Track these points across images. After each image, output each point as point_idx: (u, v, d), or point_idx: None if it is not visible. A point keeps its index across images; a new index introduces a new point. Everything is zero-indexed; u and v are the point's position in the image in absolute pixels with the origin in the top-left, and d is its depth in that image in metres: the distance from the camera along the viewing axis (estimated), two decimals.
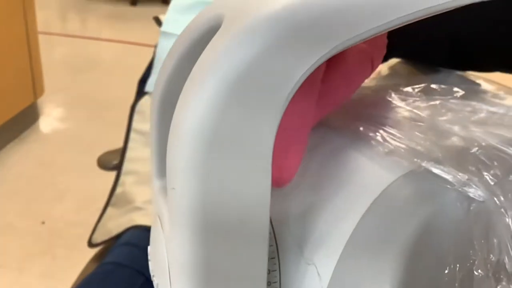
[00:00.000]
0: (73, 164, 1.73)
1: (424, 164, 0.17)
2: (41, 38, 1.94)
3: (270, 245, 0.18)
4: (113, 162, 0.94)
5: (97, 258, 0.77)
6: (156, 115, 0.19)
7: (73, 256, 0.83)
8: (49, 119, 2.06)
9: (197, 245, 0.15)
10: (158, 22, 0.92)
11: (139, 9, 3.30)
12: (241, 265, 0.16)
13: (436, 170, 0.17)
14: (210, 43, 0.15)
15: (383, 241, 0.16)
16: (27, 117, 1.92)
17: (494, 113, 0.22)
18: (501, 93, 0.23)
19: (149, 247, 0.21)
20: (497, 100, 0.23)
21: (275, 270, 0.18)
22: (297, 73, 0.14)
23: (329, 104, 0.21)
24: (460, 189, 0.16)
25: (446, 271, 0.15)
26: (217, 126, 0.14)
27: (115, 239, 0.77)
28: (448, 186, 0.16)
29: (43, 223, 1.51)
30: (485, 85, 0.25)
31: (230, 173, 0.15)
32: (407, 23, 0.24)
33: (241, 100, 0.14)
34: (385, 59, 0.28)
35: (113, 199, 0.86)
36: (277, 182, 0.19)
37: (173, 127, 0.15)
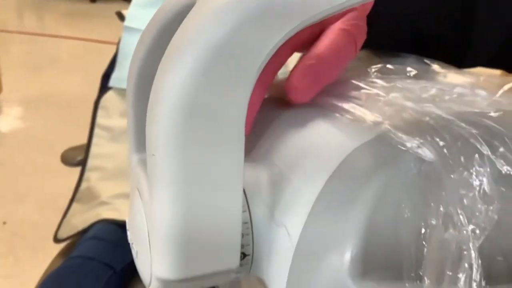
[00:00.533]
0: (33, 163, 1.69)
1: (383, 131, 0.19)
2: None
3: (243, 211, 0.19)
4: (77, 158, 0.93)
5: (63, 253, 0.77)
6: (133, 91, 0.20)
7: (36, 257, 0.83)
8: (8, 118, 2.01)
9: (176, 204, 0.16)
10: (121, 17, 0.92)
11: (98, 6, 3.25)
12: (218, 226, 0.17)
13: (394, 136, 0.19)
14: (187, 18, 0.16)
15: (346, 202, 0.17)
16: None
17: (443, 90, 0.24)
18: (451, 73, 0.26)
19: (127, 219, 0.21)
20: (446, 79, 0.25)
21: (248, 234, 0.19)
22: (267, 47, 0.16)
23: (322, 80, 0.22)
24: (414, 152, 0.18)
25: (404, 226, 0.17)
26: (194, 94, 0.15)
27: (81, 234, 0.77)
28: (404, 149, 0.18)
29: (4, 223, 1.47)
30: (436, 66, 0.27)
31: (207, 138, 0.16)
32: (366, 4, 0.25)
33: (216, 71, 0.15)
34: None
35: (78, 194, 0.85)
36: None
37: (152, 97, 0.16)
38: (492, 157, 0.18)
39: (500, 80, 0.25)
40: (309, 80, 0.22)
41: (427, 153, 0.18)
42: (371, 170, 0.18)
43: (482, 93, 0.23)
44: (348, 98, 0.22)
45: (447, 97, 0.22)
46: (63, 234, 0.81)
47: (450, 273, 0.16)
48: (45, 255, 0.81)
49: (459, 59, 0.27)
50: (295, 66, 0.22)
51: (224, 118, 0.16)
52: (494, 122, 0.19)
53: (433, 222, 0.16)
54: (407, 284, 0.16)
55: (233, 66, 0.16)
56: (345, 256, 0.16)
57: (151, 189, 0.17)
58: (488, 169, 0.18)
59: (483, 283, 0.16)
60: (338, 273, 0.16)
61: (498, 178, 0.18)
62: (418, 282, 0.16)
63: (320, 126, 0.21)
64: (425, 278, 0.16)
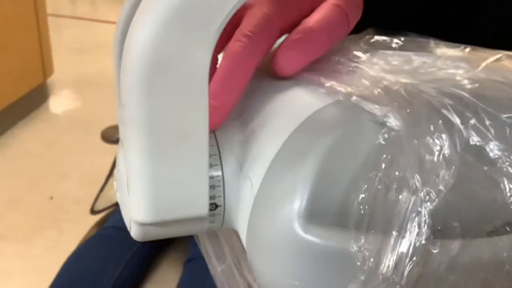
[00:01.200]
0: (79, 142, 1.78)
1: (352, 98, 0.20)
2: (50, 20, 1.97)
3: (215, 165, 0.21)
4: (116, 135, 0.97)
5: (98, 224, 0.81)
6: (117, 47, 0.22)
7: (78, 229, 0.88)
8: (58, 99, 2.11)
9: (144, 151, 0.18)
10: None
11: None
12: (184, 174, 0.19)
13: (362, 103, 0.20)
14: None
15: (300, 157, 0.18)
16: (37, 97, 1.97)
17: (425, 62, 0.24)
18: (441, 45, 0.26)
19: (115, 171, 0.24)
20: (432, 51, 0.26)
21: (220, 186, 0.21)
22: (228, 6, 0.17)
23: (308, 55, 0.23)
24: (379, 117, 0.19)
25: (353, 183, 0.18)
26: (159, 48, 0.17)
27: (116, 206, 0.81)
28: (368, 114, 0.19)
29: (51, 198, 1.55)
30: (432, 42, 0.27)
31: (170, 90, 0.18)
32: None
33: (177, 27, 0.17)
34: (362, 28, 0.30)
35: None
36: (212, 124, 0.21)
37: (124, 53, 0.18)
38: (461, 126, 0.19)
39: (486, 54, 0.26)
40: (293, 54, 0.23)
41: (392, 119, 0.19)
42: (328, 129, 0.19)
43: (465, 65, 0.24)
44: (326, 72, 0.23)
45: (428, 69, 0.23)
46: (99, 206, 0.85)
47: (396, 233, 0.17)
48: (86, 228, 0.86)
49: (464, 40, 0.27)
50: (283, 40, 0.23)
51: (186, 71, 0.18)
52: (468, 93, 0.20)
53: (387, 184, 0.18)
54: (342, 230, 0.17)
55: (194, 23, 0.17)
56: (295, 204, 0.18)
57: (124, 137, 0.19)
58: (455, 137, 0.19)
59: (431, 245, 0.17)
60: (289, 219, 0.18)
61: (466, 147, 0.19)
62: (364, 232, 0.17)
63: (292, 92, 0.22)
64: (359, 224, 0.17)
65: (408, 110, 0.20)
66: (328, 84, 0.22)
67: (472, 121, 0.20)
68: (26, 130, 1.85)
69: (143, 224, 0.20)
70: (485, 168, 0.19)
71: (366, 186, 0.18)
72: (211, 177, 0.21)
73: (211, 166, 0.21)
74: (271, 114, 0.21)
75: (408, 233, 0.17)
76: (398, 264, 0.17)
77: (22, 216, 1.49)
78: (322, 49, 0.24)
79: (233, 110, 0.22)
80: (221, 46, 0.24)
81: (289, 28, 0.24)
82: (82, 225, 0.90)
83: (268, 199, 0.19)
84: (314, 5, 0.25)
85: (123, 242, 0.71)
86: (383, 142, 0.19)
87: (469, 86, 0.21)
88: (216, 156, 0.21)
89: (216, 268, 0.24)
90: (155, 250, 0.73)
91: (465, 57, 0.26)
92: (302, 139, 0.19)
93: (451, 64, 0.24)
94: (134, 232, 0.21)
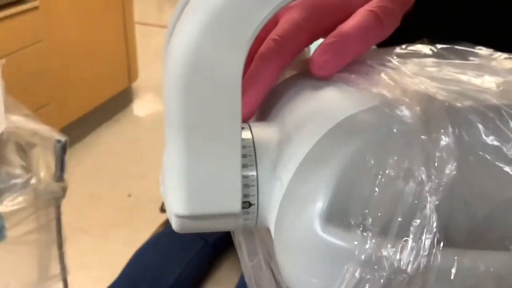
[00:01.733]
0: (159, 144, 1.85)
1: (379, 102, 0.20)
2: (138, 28, 2.09)
3: (251, 165, 0.22)
4: None
5: (166, 222, 0.85)
6: (166, 50, 0.24)
7: (151, 227, 0.92)
8: (142, 103, 2.22)
9: (181, 148, 0.20)
10: None
11: None
12: (218, 171, 0.20)
13: (385, 105, 0.20)
14: None
15: (325, 159, 0.19)
16: (122, 100, 2.09)
17: (458, 69, 0.24)
18: (487, 55, 0.25)
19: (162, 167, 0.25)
20: (474, 60, 0.25)
21: (254, 186, 0.22)
22: (260, 15, 0.18)
23: (343, 57, 0.24)
24: (396, 115, 0.19)
25: (369, 180, 0.18)
26: (197, 51, 0.18)
27: None
28: (390, 114, 0.19)
29: (129, 196, 1.64)
30: (479, 51, 0.27)
31: (206, 93, 0.19)
32: None
33: (217, 31, 0.18)
34: (416, 38, 0.30)
35: None
36: None
37: (168, 53, 0.20)
38: (480, 126, 0.19)
39: None
40: (328, 56, 0.24)
41: (406, 115, 0.19)
42: (355, 135, 0.20)
43: (496, 72, 0.23)
44: (360, 76, 0.23)
45: (458, 76, 0.23)
46: None
47: (400, 219, 0.17)
48: (157, 226, 0.91)
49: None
50: (320, 44, 0.24)
51: (221, 73, 0.19)
52: (493, 96, 0.20)
53: (392, 173, 0.18)
54: (358, 231, 0.18)
55: (229, 31, 0.19)
56: (317, 205, 0.19)
57: (166, 134, 0.21)
58: (473, 135, 0.19)
59: (437, 238, 0.17)
60: (310, 219, 0.19)
61: (485, 147, 0.19)
62: (367, 232, 0.18)
63: (327, 94, 0.23)
64: (372, 225, 0.17)
65: (423, 108, 0.20)
66: (360, 88, 0.22)
67: (494, 122, 0.20)
68: (110, 131, 1.97)
69: (180, 217, 0.22)
70: (505, 168, 0.19)
71: (384, 191, 0.18)
72: (246, 177, 0.22)
73: (246, 166, 0.22)
74: (306, 117, 0.22)
75: (414, 224, 0.18)
76: (411, 264, 0.17)
77: (102, 211, 1.58)
78: (356, 52, 0.24)
79: (256, 108, 0.24)
80: (255, 50, 0.25)
81: (323, 33, 0.25)
82: (155, 223, 0.94)
83: (293, 199, 0.20)
84: (350, 12, 0.26)
85: (187, 241, 0.73)
86: (398, 138, 0.19)
87: (494, 90, 0.21)
88: (252, 157, 0.22)
89: (247, 263, 0.25)
90: (217, 250, 0.75)
91: (498, 66, 0.25)
92: (329, 144, 0.20)
93: (484, 71, 0.24)
94: (174, 224, 0.22)
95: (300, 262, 0.19)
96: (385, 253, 0.17)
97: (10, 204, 0.60)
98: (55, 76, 1.66)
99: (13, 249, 0.63)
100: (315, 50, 0.24)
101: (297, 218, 0.19)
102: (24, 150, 0.66)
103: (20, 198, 0.61)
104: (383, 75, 0.22)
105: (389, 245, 0.17)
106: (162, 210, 0.90)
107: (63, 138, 0.67)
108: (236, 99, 0.19)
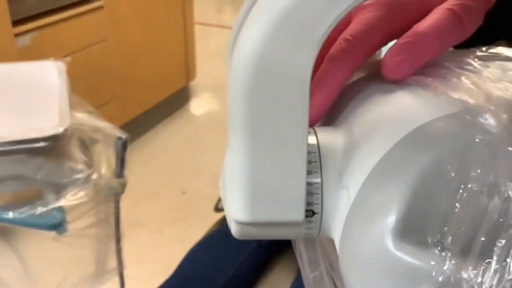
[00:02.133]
0: (214, 142, 1.88)
1: (458, 108, 0.19)
2: (197, 28, 2.12)
3: (315, 172, 0.21)
4: None
5: (220, 221, 0.85)
6: (230, 52, 0.23)
7: (204, 224, 0.93)
8: (199, 101, 2.25)
9: (245, 153, 0.19)
10: None
11: None
12: (282, 178, 0.19)
13: (466, 112, 0.18)
14: None
15: (399, 170, 0.18)
16: (179, 99, 2.13)
17: None
18: None
19: (221, 169, 0.25)
20: None
21: (318, 193, 0.21)
22: (331, 16, 0.17)
23: (418, 58, 0.23)
24: (480, 123, 0.18)
25: (452, 194, 0.17)
26: (265, 53, 0.18)
27: None
28: (472, 122, 0.18)
29: (184, 193, 1.66)
30: None
31: (273, 94, 0.18)
32: None
33: (286, 33, 0.17)
34: (493, 40, 0.28)
35: None
36: None
37: (233, 54, 0.19)
38: None
39: None
40: (402, 57, 0.22)
41: (491, 124, 0.17)
42: (432, 145, 0.18)
43: None
44: (436, 80, 0.22)
45: None
46: (222, 204, 0.89)
47: (483, 239, 0.15)
48: (211, 223, 0.91)
49: None
50: (393, 44, 0.23)
51: (289, 76, 0.18)
52: None
53: (475, 188, 0.16)
54: (436, 250, 0.16)
55: (299, 32, 0.18)
56: (389, 219, 0.17)
57: (228, 137, 0.20)
58: None
59: None
60: (381, 233, 0.17)
61: None
62: (446, 251, 0.16)
63: (400, 99, 0.21)
64: (451, 244, 0.16)
65: (508, 117, 0.18)
66: (438, 92, 0.21)
67: None
68: (168, 128, 2.01)
69: (240, 223, 0.21)
70: None
71: (466, 207, 0.17)
72: (310, 184, 0.21)
73: (310, 172, 0.21)
74: (376, 123, 0.21)
75: (499, 244, 0.16)
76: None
77: (157, 207, 1.61)
78: (432, 53, 0.23)
79: (324, 112, 0.23)
80: (325, 51, 0.24)
81: (398, 34, 0.24)
82: (209, 220, 0.95)
83: (362, 211, 0.19)
84: (427, 10, 0.24)
85: (241, 242, 0.73)
86: (481, 148, 0.17)
87: None
88: (316, 164, 0.21)
89: (308, 274, 0.24)
90: (270, 252, 0.74)
91: None
92: (403, 153, 0.18)
93: None
94: (233, 230, 0.22)
95: (368, 280, 0.18)
96: (465, 275, 0.16)
97: (72, 198, 0.62)
98: (117, 75, 1.71)
99: (73, 242, 0.65)
100: (388, 51, 0.23)
101: (366, 232, 0.18)
102: (86, 146, 0.68)
103: (82, 193, 0.63)
104: (463, 79, 0.21)
105: (470, 267, 0.16)
106: (217, 209, 0.91)
107: (124, 135, 0.68)
108: (304, 102, 0.18)
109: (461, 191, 0.17)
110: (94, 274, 0.74)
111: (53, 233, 0.62)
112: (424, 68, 0.23)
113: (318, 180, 0.21)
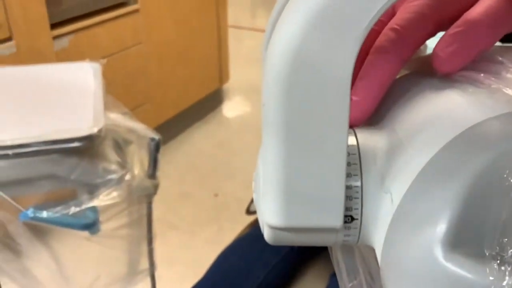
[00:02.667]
0: (247, 145, 1.87)
1: None
2: (231, 31, 2.12)
3: (355, 175, 0.19)
4: None
5: (252, 224, 0.84)
6: (265, 50, 0.22)
7: (236, 227, 0.92)
8: (231, 104, 2.25)
9: (280, 154, 0.18)
10: None
11: None
12: (320, 181, 0.18)
13: None
14: None
15: (449, 174, 0.16)
16: (212, 101, 2.13)
17: None
18: None
19: (254, 172, 0.24)
20: None
21: (358, 198, 0.19)
22: (375, 7, 0.16)
23: (471, 49, 0.21)
24: None
25: (504, 198, 0.15)
26: (302, 48, 0.16)
27: None
28: None
29: (216, 195, 1.66)
30: None
31: (311, 91, 0.17)
32: None
33: (324, 27, 0.16)
34: None
35: None
36: (353, 119, 0.21)
37: (269, 50, 0.18)
38: None
39: None
40: (454, 48, 0.20)
41: None
42: (486, 146, 0.16)
43: None
44: (488, 75, 0.20)
45: None
46: (254, 207, 0.88)
47: None
48: (243, 226, 0.91)
49: None
50: (443, 35, 0.21)
51: (328, 72, 0.17)
52: None
53: None
54: (494, 264, 0.15)
55: (338, 26, 0.16)
56: (439, 228, 0.16)
57: (262, 137, 0.19)
58: None
59: None
60: (429, 243, 0.16)
61: None
62: (506, 266, 0.14)
63: (450, 97, 0.20)
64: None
65: None
66: (492, 89, 0.19)
67: None
68: (201, 131, 2.02)
69: (274, 228, 0.20)
70: None
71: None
72: (349, 187, 0.19)
73: (350, 175, 0.19)
74: (423, 122, 0.19)
75: None
76: None
77: (190, 209, 1.62)
78: (486, 43, 0.21)
79: (375, 106, 0.21)
80: (367, 46, 0.22)
81: (448, 22, 0.22)
82: (240, 223, 0.94)
83: (408, 218, 0.17)
84: None
85: (273, 246, 0.72)
86: None
87: None
88: (356, 166, 0.20)
89: (346, 284, 0.22)
90: (303, 257, 0.73)
91: None
92: (454, 155, 0.17)
93: None
94: (266, 235, 0.21)
95: None
96: None
97: (105, 198, 0.62)
98: (152, 77, 1.73)
99: (106, 242, 0.65)
100: (438, 43, 0.21)
101: (412, 241, 0.16)
102: (120, 147, 0.68)
103: (115, 193, 0.63)
104: None
105: None
106: (248, 211, 0.90)
107: (157, 137, 0.68)
108: (344, 100, 0.17)
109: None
110: (126, 275, 0.75)
111: (86, 233, 0.63)
112: (476, 63, 0.21)
113: (358, 183, 0.19)
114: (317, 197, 0.19)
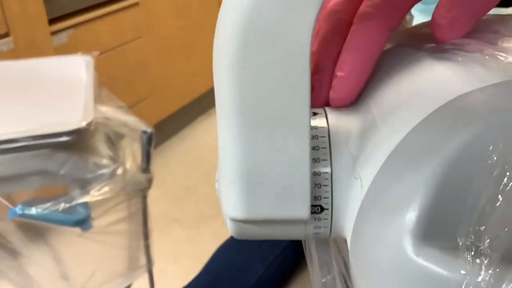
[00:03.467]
0: None
1: (504, 77, 0.15)
2: None
3: (324, 160, 0.18)
4: None
5: None
6: None
7: None
8: None
9: (235, 137, 0.16)
10: None
11: None
12: (282, 168, 0.16)
13: None
14: None
15: (422, 155, 0.14)
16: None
17: None
18: None
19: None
20: None
21: (327, 185, 0.17)
22: None
23: (472, 13, 0.19)
24: None
25: (493, 184, 0.13)
26: (252, 14, 0.15)
27: None
28: None
29: None
30: None
31: (265, 67, 0.15)
32: None
33: None
34: None
35: None
36: (339, 98, 0.19)
37: (218, 22, 0.16)
38: None
39: None
40: (456, 13, 0.18)
41: None
42: (467, 120, 0.14)
43: None
44: (478, 45, 0.18)
45: None
46: None
47: None
48: None
49: None
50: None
51: (286, 41, 0.15)
52: None
53: None
54: (468, 256, 0.13)
55: None
56: (408, 217, 0.14)
57: (218, 121, 0.17)
58: None
59: None
60: (398, 234, 0.14)
61: None
62: (482, 258, 0.12)
63: (431, 71, 0.18)
64: (489, 249, 0.12)
65: None
66: (481, 60, 0.17)
67: None
68: (204, 125, 2.00)
69: (236, 221, 0.18)
70: None
71: (510, 200, 0.13)
72: (318, 174, 0.17)
73: (318, 160, 0.18)
74: (401, 99, 0.17)
75: None
76: None
77: (195, 203, 1.60)
78: (487, 5, 0.19)
79: (363, 83, 0.19)
80: (352, 13, 0.20)
81: None
82: None
83: (376, 206, 0.15)
84: None
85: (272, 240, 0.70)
86: None
87: None
88: (326, 150, 0.18)
89: (318, 279, 0.20)
90: (302, 249, 0.71)
91: None
92: (430, 133, 0.15)
93: None
94: (230, 228, 0.19)
95: (380, 287, 0.14)
96: None
97: (97, 194, 0.61)
98: (153, 71, 1.71)
99: (99, 239, 0.64)
100: (436, 10, 0.19)
101: (380, 232, 0.14)
102: (112, 141, 0.66)
103: (106, 188, 0.61)
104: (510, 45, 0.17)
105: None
106: None
107: (149, 130, 0.66)
108: (303, 73, 0.15)
109: (505, 180, 0.13)
110: (122, 271, 0.73)
111: (78, 230, 0.61)
112: (471, 33, 0.19)
113: (328, 169, 0.18)
114: (279, 185, 0.17)
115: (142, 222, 0.71)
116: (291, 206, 0.17)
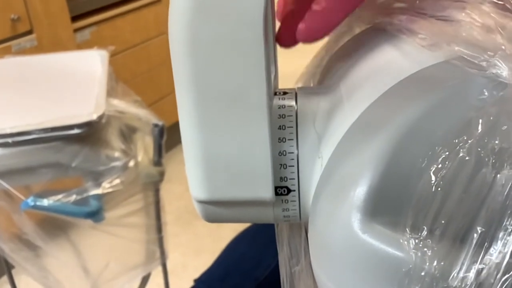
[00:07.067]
0: None
1: (452, 54, 0.14)
2: None
3: (290, 139, 0.17)
4: None
5: None
6: None
7: None
8: None
9: (191, 114, 0.15)
10: None
11: None
12: (242, 147, 0.16)
13: (464, 57, 0.14)
14: None
15: (372, 132, 0.13)
16: None
17: None
18: None
19: None
20: None
21: (293, 166, 0.17)
22: None
23: None
24: (488, 73, 0.13)
25: (443, 161, 0.12)
26: None
27: None
28: (474, 72, 0.13)
29: None
30: None
31: (219, 40, 0.14)
32: None
33: None
34: None
35: None
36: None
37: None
38: None
39: None
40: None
41: (502, 73, 0.13)
42: (414, 98, 0.14)
43: None
44: (429, 17, 0.17)
45: None
46: None
47: (483, 221, 0.11)
48: None
49: None
50: None
51: (237, 12, 0.14)
52: None
53: (475, 155, 0.12)
54: (417, 235, 0.12)
55: None
56: (357, 192, 0.13)
57: (177, 99, 0.17)
58: None
59: None
60: (345, 211, 0.13)
61: None
62: (431, 237, 0.12)
63: (389, 49, 0.17)
64: (437, 229, 0.11)
65: None
66: (426, 34, 0.16)
67: None
68: None
69: (200, 202, 0.17)
70: None
71: (461, 180, 0.12)
72: (283, 154, 0.17)
73: (284, 140, 0.17)
74: (364, 77, 0.17)
75: (505, 236, 0.11)
76: (484, 281, 0.11)
77: None
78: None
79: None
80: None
81: None
82: None
83: (330, 183, 0.14)
84: None
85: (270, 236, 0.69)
86: (503, 124, 0.13)
87: None
88: (292, 129, 0.17)
89: (287, 268, 0.20)
90: None
91: None
92: (383, 109, 0.14)
93: None
94: (198, 210, 0.18)
95: (332, 270, 0.14)
96: (456, 268, 0.11)
97: (108, 186, 0.61)
98: None
99: (112, 231, 0.65)
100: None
101: (332, 210, 0.14)
102: (124, 134, 0.67)
103: (117, 181, 0.62)
104: (465, 13, 0.16)
105: (462, 258, 0.11)
106: None
107: (160, 123, 0.66)
108: (258, 48, 0.15)
109: (455, 157, 0.12)
110: (136, 263, 0.74)
111: (90, 221, 0.62)
112: (422, 2, 0.18)
113: (293, 149, 0.17)
114: (240, 164, 0.16)
115: (155, 215, 0.71)
116: (253, 187, 0.16)
